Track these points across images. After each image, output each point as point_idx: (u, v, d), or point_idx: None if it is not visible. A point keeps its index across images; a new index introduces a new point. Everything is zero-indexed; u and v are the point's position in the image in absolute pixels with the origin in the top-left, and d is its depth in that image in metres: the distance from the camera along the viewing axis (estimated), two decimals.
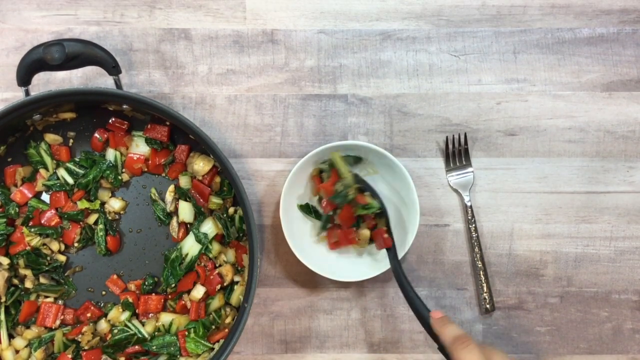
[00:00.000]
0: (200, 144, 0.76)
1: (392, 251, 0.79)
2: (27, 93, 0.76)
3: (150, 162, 0.84)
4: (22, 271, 0.82)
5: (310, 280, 0.86)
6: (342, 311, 0.86)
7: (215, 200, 0.82)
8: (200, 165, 0.81)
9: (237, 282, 0.83)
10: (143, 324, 0.82)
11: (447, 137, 0.86)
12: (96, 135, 0.84)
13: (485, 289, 0.84)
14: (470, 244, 0.85)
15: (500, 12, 0.87)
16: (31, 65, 0.74)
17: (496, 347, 0.69)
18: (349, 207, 0.80)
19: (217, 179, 0.83)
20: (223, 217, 0.82)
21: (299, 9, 0.87)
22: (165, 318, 0.83)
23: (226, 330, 0.81)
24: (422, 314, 0.73)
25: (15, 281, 0.82)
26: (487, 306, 0.84)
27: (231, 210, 0.83)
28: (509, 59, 0.87)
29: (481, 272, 0.84)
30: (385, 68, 0.87)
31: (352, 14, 0.87)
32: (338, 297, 0.86)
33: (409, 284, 0.75)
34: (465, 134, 0.86)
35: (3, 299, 0.80)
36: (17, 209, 0.82)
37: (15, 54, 0.86)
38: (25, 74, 0.74)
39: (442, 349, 0.70)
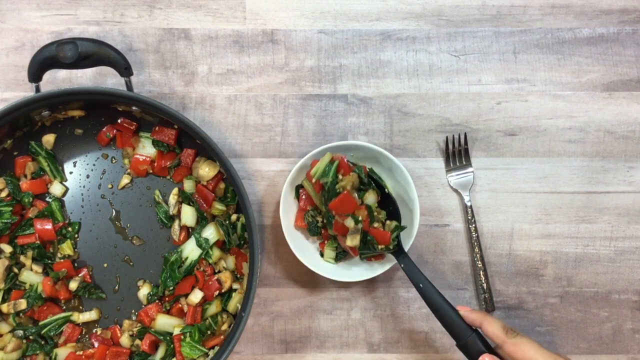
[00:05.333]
0: (207, 149, 0.80)
1: (401, 253, 0.81)
2: (37, 89, 0.80)
3: (155, 164, 0.88)
4: (23, 260, 0.86)
5: (310, 280, 0.90)
6: (342, 311, 0.90)
7: (218, 207, 0.86)
8: (206, 170, 0.85)
9: (235, 290, 0.87)
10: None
11: (447, 137, 0.90)
12: (104, 130, 0.88)
13: (485, 289, 0.88)
14: (470, 244, 0.89)
15: (500, 12, 0.91)
16: (43, 62, 0.78)
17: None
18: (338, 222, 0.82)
19: (222, 185, 0.87)
20: (225, 223, 0.86)
21: (299, 9, 0.91)
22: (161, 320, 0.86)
23: (222, 336, 0.85)
24: (444, 311, 0.75)
25: (15, 270, 0.87)
26: (487, 306, 0.88)
27: (234, 217, 0.87)
28: (509, 59, 0.91)
29: (481, 272, 0.88)
30: (385, 68, 0.90)
31: (352, 14, 0.91)
32: (338, 297, 0.90)
33: (428, 281, 0.78)
34: (465, 134, 0.90)
35: (2, 285, 0.84)
36: (31, 198, 0.86)
37: (15, 54, 0.90)
38: (36, 70, 0.79)
39: (464, 346, 0.74)
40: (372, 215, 0.82)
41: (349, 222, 0.80)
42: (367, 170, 0.84)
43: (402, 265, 0.80)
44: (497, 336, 0.71)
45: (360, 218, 0.80)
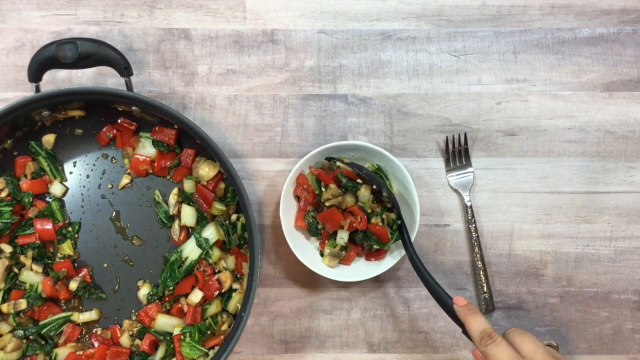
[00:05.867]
0: (207, 149, 0.80)
1: (406, 240, 0.82)
2: (37, 89, 0.80)
3: (155, 164, 0.88)
4: (23, 260, 0.86)
5: (310, 280, 0.90)
6: (342, 311, 0.90)
7: (218, 207, 0.86)
8: (206, 170, 0.85)
9: (235, 290, 0.87)
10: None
11: (447, 137, 0.90)
12: (104, 130, 0.89)
13: (485, 289, 0.88)
14: (470, 244, 0.89)
15: (500, 12, 0.91)
16: (43, 62, 0.78)
17: (520, 329, 0.72)
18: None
19: (222, 185, 0.87)
20: (225, 223, 0.86)
21: (299, 9, 0.91)
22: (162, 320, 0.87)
23: (222, 336, 0.85)
24: (444, 301, 0.76)
25: (15, 270, 0.87)
26: (487, 306, 0.88)
27: (234, 217, 0.87)
28: (509, 59, 0.91)
29: (481, 272, 0.88)
30: (385, 68, 0.91)
31: (352, 14, 0.91)
32: (338, 297, 0.90)
33: (426, 271, 0.78)
34: (465, 134, 0.90)
35: (2, 285, 0.84)
36: (31, 198, 0.87)
37: (15, 54, 0.90)
38: (36, 71, 0.79)
39: (467, 333, 0.73)
40: (367, 212, 0.84)
41: (339, 241, 0.85)
42: (354, 171, 0.85)
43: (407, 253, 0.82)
44: (473, 340, 0.71)
45: (342, 243, 0.85)
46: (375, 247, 0.84)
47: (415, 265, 0.80)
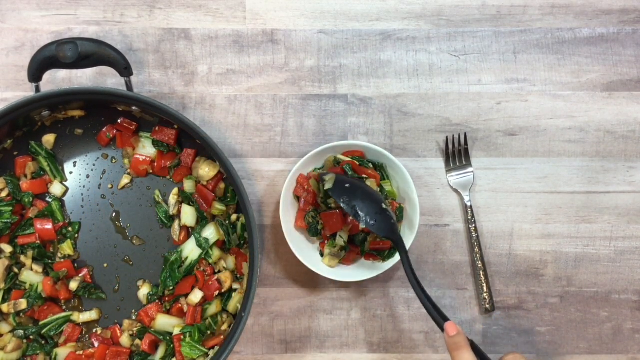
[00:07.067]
0: (207, 149, 0.80)
1: (404, 257, 0.78)
2: (37, 89, 0.80)
3: (155, 164, 0.88)
4: (24, 260, 0.86)
5: (310, 280, 0.90)
6: (342, 311, 0.90)
7: (218, 207, 0.86)
8: (206, 170, 0.85)
9: (235, 290, 0.87)
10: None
11: (447, 137, 0.90)
12: (104, 130, 0.89)
13: (485, 289, 0.88)
14: (470, 244, 0.89)
15: (500, 12, 0.91)
16: (43, 62, 0.79)
17: (517, 358, 0.71)
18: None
19: (222, 185, 0.87)
20: (225, 223, 0.86)
21: (299, 9, 0.91)
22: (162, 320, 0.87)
23: (222, 336, 0.85)
24: (438, 322, 0.74)
25: (15, 269, 0.87)
26: (487, 306, 0.88)
27: (234, 217, 0.87)
28: (509, 59, 0.91)
29: (481, 272, 0.88)
30: (385, 68, 0.91)
31: (352, 14, 0.91)
32: (338, 297, 0.90)
33: (422, 290, 0.76)
34: (465, 134, 0.90)
35: (2, 285, 0.84)
36: (31, 198, 0.87)
37: (15, 54, 0.90)
38: (36, 70, 0.79)
39: None
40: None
41: (338, 241, 0.86)
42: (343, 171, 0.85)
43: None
44: None
45: (341, 243, 0.85)
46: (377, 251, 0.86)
47: (413, 284, 0.76)
